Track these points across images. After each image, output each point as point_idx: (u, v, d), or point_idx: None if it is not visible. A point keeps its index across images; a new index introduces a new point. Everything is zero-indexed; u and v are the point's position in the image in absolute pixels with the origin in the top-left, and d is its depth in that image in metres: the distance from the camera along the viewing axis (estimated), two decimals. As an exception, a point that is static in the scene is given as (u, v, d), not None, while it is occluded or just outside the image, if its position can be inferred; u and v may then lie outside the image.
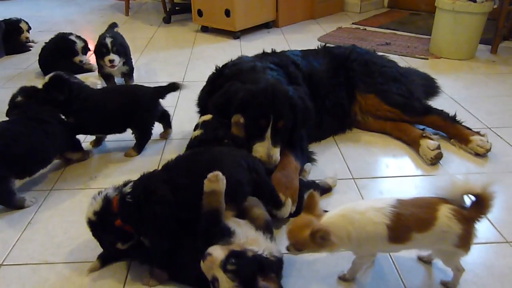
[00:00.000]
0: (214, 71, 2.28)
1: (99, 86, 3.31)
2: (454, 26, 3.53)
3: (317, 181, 1.97)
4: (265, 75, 2.05)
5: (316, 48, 2.70)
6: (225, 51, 4.04)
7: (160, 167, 1.61)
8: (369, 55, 2.65)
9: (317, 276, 1.53)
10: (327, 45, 2.77)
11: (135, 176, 1.56)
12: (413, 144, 2.33)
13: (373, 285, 1.49)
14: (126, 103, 2.27)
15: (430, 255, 1.56)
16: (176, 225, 1.44)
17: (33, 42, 4.32)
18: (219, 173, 1.36)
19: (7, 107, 2.14)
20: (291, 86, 2.05)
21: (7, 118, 2.09)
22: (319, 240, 1.27)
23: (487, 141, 2.25)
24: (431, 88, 2.98)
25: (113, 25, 3.43)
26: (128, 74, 3.27)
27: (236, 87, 1.93)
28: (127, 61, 3.22)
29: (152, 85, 2.41)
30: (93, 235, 1.52)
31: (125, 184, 1.50)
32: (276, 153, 1.86)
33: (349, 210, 1.36)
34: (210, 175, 1.35)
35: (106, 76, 3.22)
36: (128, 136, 2.39)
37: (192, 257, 1.36)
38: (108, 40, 3.04)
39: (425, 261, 1.57)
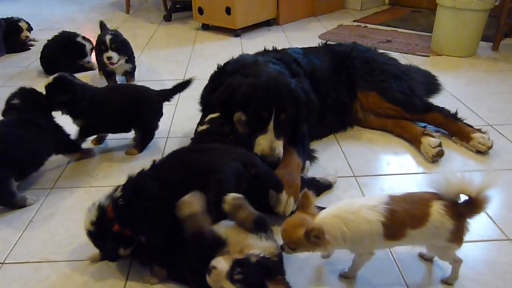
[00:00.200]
0: (216, 70, 2.27)
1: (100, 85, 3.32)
2: (456, 23, 3.52)
3: (317, 178, 1.97)
4: (267, 68, 2.05)
5: (317, 45, 2.70)
6: (226, 49, 4.04)
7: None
8: (370, 52, 2.65)
9: (319, 274, 1.53)
10: (328, 42, 2.76)
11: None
12: (414, 141, 2.33)
13: (375, 282, 1.49)
14: (132, 102, 2.26)
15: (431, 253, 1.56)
16: (170, 221, 1.43)
17: (33, 40, 4.32)
18: (192, 195, 1.34)
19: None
20: (295, 78, 2.05)
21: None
22: (314, 239, 1.27)
23: (489, 139, 2.24)
24: (432, 86, 2.97)
25: (102, 24, 3.42)
26: (130, 72, 3.27)
27: (238, 82, 1.93)
28: (130, 60, 3.22)
29: (152, 83, 2.41)
30: (95, 245, 1.53)
31: (115, 189, 1.51)
32: (279, 146, 1.85)
33: (343, 210, 1.35)
34: (183, 199, 1.33)
35: (108, 74, 3.21)
36: (129, 135, 2.39)
37: (187, 255, 1.36)
38: (108, 38, 3.04)
39: (426, 259, 1.57)
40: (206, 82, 2.32)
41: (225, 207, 1.37)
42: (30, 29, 4.29)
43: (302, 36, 4.39)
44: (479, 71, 3.35)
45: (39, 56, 3.53)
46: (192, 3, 4.64)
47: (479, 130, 2.30)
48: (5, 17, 4.17)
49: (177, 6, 5.21)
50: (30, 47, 4.21)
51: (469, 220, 1.35)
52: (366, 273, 1.51)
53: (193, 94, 2.42)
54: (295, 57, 2.33)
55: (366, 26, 4.69)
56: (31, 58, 3.85)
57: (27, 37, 4.21)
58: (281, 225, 1.73)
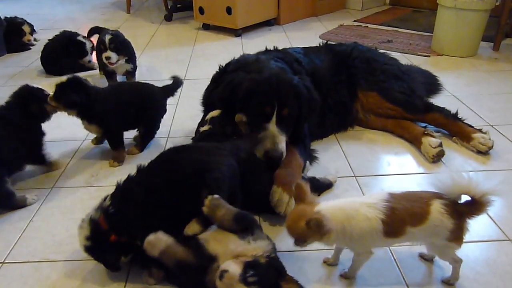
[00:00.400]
0: (218, 70, 2.27)
1: (101, 85, 3.32)
2: (456, 23, 3.51)
3: (317, 178, 1.97)
4: (269, 65, 2.06)
5: (318, 45, 2.70)
6: (226, 49, 4.04)
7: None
8: (371, 52, 2.65)
9: (319, 274, 1.53)
10: (329, 42, 2.76)
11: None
12: (415, 141, 2.33)
13: (375, 282, 1.49)
14: (139, 99, 2.27)
15: (431, 253, 1.55)
16: (162, 224, 1.43)
17: (34, 40, 4.32)
18: (152, 237, 1.34)
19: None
20: (297, 76, 2.05)
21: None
22: (315, 227, 1.27)
23: (489, 139, 2.24)
24: (433, 86, 2.97)
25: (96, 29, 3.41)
26: (131, 72, 3.26)
27: (240, 78, 1.93)
28: (131, 60, 3.22)
29: (153, 83, 2.40)
30: (95, 259, 1.52)
31: (104, 199, 1.50)
32: (282, 141, 1.85)
33: (346, 205, 1.36)
34: (146, 242, 1.34)
35: (109, 74, 3.21)
36: (129, 134, 2.38)
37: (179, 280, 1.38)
38: (107, 38, 3.04)
39: (427, 259, 1.57)
40: (207, 82, 2.32)
41: (204, 210, 1.38)
42: (32, 31, 4.29)
43: (303, 36, 4.39)
44: (479, 71, 3.34)
45: (40, 55, 3.53)
46: (193, 3, 4.64)
47: (480, 130, 2.30)
48: (7, 16, 4.17)
49: (178, 5, 5.21)
50: (31, 47, 4.21)
51: (469, 221, 1.35)
52: (366, 273, 1.51)
53: (194, 93, 2.42)
54: (296, 57, 2.34)
55: (367, 26, 4.69)
56: (32, 58, 3.85)
57: (29, 40, 4.22)
58: (282, 224, 1.76)
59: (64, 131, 2.56)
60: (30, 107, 2.05)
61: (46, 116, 2.13)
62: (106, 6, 6.05)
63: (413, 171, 2.16)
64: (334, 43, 2.81)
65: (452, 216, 1.31)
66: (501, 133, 2.43)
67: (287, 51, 2.43)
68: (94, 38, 3.49)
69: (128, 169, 2.18)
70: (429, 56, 3.69)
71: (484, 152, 2.23)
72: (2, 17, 4.11)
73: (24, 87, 2.11)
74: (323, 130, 2.45)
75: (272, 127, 1.84)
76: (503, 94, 2.95)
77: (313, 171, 2.08)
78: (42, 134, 2.13)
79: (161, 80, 3.31)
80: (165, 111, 2.39)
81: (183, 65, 3.66)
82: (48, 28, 4.64)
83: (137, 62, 3.33)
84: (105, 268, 1.56)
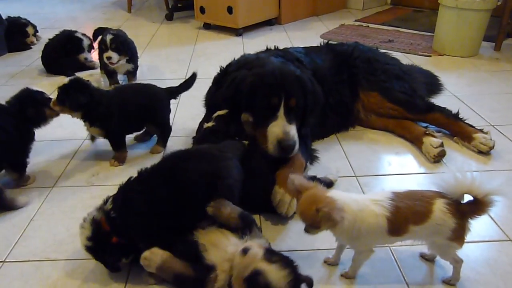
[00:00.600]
0: (219, 71, 2.27)
1: (102, 83, 3.32)
2: (458, 23, 3.51)
3: (318, 177, 1.96)
4: (270, 60, 2.07)
5: (319, 45, 2.70)
6: (227, 48, 4.04)
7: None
8: (372, 52, 2.64)
9: (320, 274, 1.52)
10: (330, 42, 2.76)
11: (136, 173, 1.56)
12: (416, 141, 2.33)
13: (375, 282, 1.49)
14: (145, 101, 2.25)
15: (432, 253, 1.55)
16: (163, 232, 1.44)
17: (36, 39, 4.31)
18: (147, 253, 1.37)
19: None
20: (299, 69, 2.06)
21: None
22: (325, 216, 1.27)
23: (490, 139, 2.24)
24: (434, 86, 2.97)
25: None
26: (132, 72, 3.26)
27: (243, 74, 1.93)
28: (132, 59, 3.22)
29: (154, 83, 2.40)
30: (96, 259, 1.52)
31: (106, 201, 1.50)
32: (293, 129, 1.84)
33: (359, 198, 1.37)
34: (142, 260, 1.37)
35: (109, 73, 3.22)
36: (131, 134, 2.39)
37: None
38: (108, 37, 3.04)
39: (428, 259, 1.57)
40: (208, 81, 2.32)
41: (209, 210, 1.38)
42: (35, 32, 4.29)
43: (304, 35, 4.38)
44: (481, 71, 3.34)
45: (41, 55, 3.53)
46: (194, 2, 4.64)
47: (481, 131, 2.29)
48: (8, 16, 4.17)
49: (179, 5, 5.21)
50: (32, 47, 4.21)
51: (470, 221, 1.36)
52: (367, 273, 1.51)
53: (195, 93, 2.42)
54: (297, 56, 2.33)
55: (368, 26, 4.68)
56: (33, 57, 3.85)
57: (32, 42, 4.22)
58: (285, 223, 1.76)
59: (65, 131, 2.56)
60: (26, 110, 2.02)
61: (42, 121, 2.10)
62: (107, 5, 6.05)
63: (414, 171, 2.15)
64: (335, 42, 2.80)
65: (455, 216, 1.32)
66: (502, 133, 2.43)
67: (288, 51, 2.43)
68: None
69: (129, 168, 2.20)
70: (430, 56, 3.68)
71: (485, 152, 2.23)
72: (5, 16, 4.11)
73: (24, 90, 2.09)
74: (324, 130, 2.44)
75: (281, 117, 1.83)
76: (504, 94, 2.94)
77: (314, 170, 2.08)
78: (31, 139, 2.09)
79: (162, 79, 3.33)
80: (169, 110, 2.39)
81: (184, 64, 3.66)
82: (49, 27, 4.64)
83: (138, 61, 3.33)
84: (106, 268, 1.56)
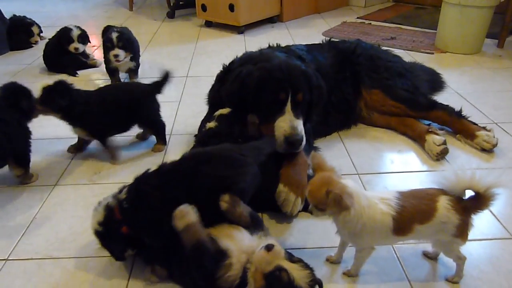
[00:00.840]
0: (222, 69, 2.26)
1: (101, 82, 3.32)
2: (461, 20, 3.50)
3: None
4: (275, 55, 2.06)
5: (321, 42, 2.69)
6: (229, 46, 4.03)
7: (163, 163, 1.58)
8: (374, 50, 2.64)
9: (322, 272, 1.52)
10: (332, 39, 2.75)
11: (138, 171, 1.55)
12: (418, 139, 2.32)
13: (378, 281, 1.49)
14: (128, 100, 2.24)
15: (435, 251, 1.55)
16: (172, 230, 1.43)
17: (40, 38, 4.31)
18: (184, 207, 1.32)
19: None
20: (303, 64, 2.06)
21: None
22: (334, 200, 1.27)
23: (493, 136, 2.23)
24: (437, 83, 2.96)
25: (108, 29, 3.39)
26: (134, 70, 3.26)
27: (248, 70, 1.92)
28: (135, 57, 3.21)
29: (155, 81, 2.39)
30: (103, 245, 1.51)
31: (121, 190, 1.50)
32: (300, 124, 1.84)
33: (369, 194, 1.37)
34: (177, 211, 1.31)
35: (111, 71, 3.21)
36: (133, 132, 2.39)
37: (188, 268, 1.34)
38: (114, 35, 3.04)
39: (430, 257, 1.56)
40: (210, 79, 2.32)
41: (222, 205, 1.37)
42: (40, 31, 4.29)
43: (306, 33, 4.37)
44: (484, 69, 3.33)
45: (42, 53, 3.53)
46: (196, 0, 4.63)
47: (484, 128, 2.28)
48: (14, 14, 4.17)
49: (180, 3, 5.20)
50: (33, 45, 4.20)
51: (473, 217, 1.36)
52: (369, 272, 1.51)
53: (196, 91, 2.42)
54: (299, 54, 2.33)
55: (370, 23, 4.67)
56: (35, 55, 3.85)
57: (36, 41, 4.22)
58: (291, 222, 1.76)
59: (67, 129, 2.55)
60: (20, 103, 2.01)
61: (33, 114, 2.09)
62: (108, 3, 6.05)
63: (417, 169, 2.15)
64: (337, 40, 2.79)
65: (458, 212, 1.32)
66: (505, 131, 2.42)
67: (290, 48, 2.41)
68: (97, 35, 3.48)
69: (132, 165, 2.20)
70: (432, 53, 3.67)
71: (488, 150, 2.22)
72: (9, 15, 4.12)
73: (12, 83, 2.08)
74: (327, 128, 2.44)
75: (288, 112, 1.82)
76: (507, 91, 2.93)
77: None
78: (30, 132, 2.09)
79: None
80: (158, 105, 2.35)
81: (186, 62, 3.65)
82: (51, 25, 4.63)
83: (140, 59, 3.33)
84: (108, 265, 1.57)
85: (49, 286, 1.51)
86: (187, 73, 3.40)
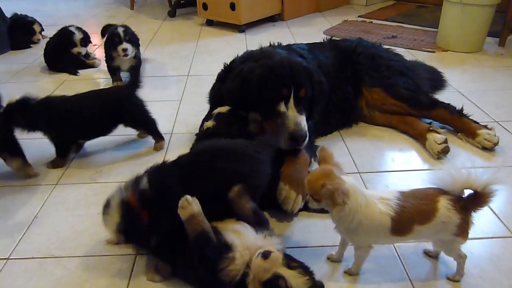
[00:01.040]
0: (223, 68, 2.26)
1: (102, 81, 3.32)
2: (462, 19, 3.49)
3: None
4: (276, 52, 2.06)
5: (322, 41, 2.69)
6: (230, 45, 4.03)
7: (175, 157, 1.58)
8: (375, 48, 2.63)
9: (323, 270, 1.52)
10: (333, 38, 2.74)
11: (139, 170, 1.55)
12: (419, 138, 2.32)
13: (379, 279, 1.48)
14: (106, 106, 2.21)
15: (436, 250, 1.55)
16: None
17: (42, 37, 4.31)
18: (188, 197, 1.33)
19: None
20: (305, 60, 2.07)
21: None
22: (328, 193, 1.28)
23: (495, 135, 2.23)
24: (438, 82, 2.95)
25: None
26: (136, 68, 3.25)
27: (250, 67, 1.91)
28: (137, 55, 3.21)
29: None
30: (128, 242, 1.54)
31: (137, 179, 1.48)
32: (303, 120, 1.84)
33: (368, 193, 1.37)
34: (180, 202, 1.32)
35: (113, 70, 3.20)
36: (134, 130, 2.39)
37: (192, 259, 1.34)
38: (120, 30, 3.06)
39: (431, 256, 1.56)
40: (211, 77, 2.32)
41: (231, 195, 1.38)
42: (42, 30, 4.29)
43: (307, 31, 4.37)
44: (485, 67, 3.32)
45: (43, 52, 3.53)
46: (197, -1, 4.63)
47: (485, 127, 2.28)
48: (15, 13, 4.17)
49: (181, 1, 5.20)
50: (31, 46, 4.18)
51: (473, 214, 1.36)
52: (370, 270, 1.51)
53: (198, 90, 2.42)
54: (300, 53, 2.32)
55: (371, 22, 4.66)
56: (36, 54, 3.85)
57: (38, 39, 4.22)
58: (291, 220, 1.76)
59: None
60: None
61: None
62: (109, 2, 6.04)
63: (418, 168, 2.15)
64: (338, 39, 2.79)
65: (459, 211, 1.32)
66: (507, 129, 2.42)
67: (291, 47, 2.41)
68: (97, 34, 3.48)
69: (133, 164, 2.20)
70: (434, 52, 3.66)
71: (489, 148, 2.22)
72: (10, 14, 4.12)
73: None
74: (328, 127, 2.44)
75: (291, 109, 1.82)
76: (508, 90, 2.93)
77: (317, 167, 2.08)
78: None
79: (165, 76, 3.33)
80: (142, 103, 2.30)
81: (187, 61, 3.65)
82: (52, 24, 4.63)
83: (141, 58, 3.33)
84: (109, 264, 1.57)
85: (50, 285, 1.51)
86: (188, 72, 3.40)
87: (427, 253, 1.57)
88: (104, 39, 3.22)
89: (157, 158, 2.23)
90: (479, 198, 1.32)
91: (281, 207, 1.75)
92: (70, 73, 3.42)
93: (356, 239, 1.41)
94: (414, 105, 2.41)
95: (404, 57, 2.75)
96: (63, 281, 1.53)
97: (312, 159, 2.06)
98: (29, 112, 2.07)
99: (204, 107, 2.29)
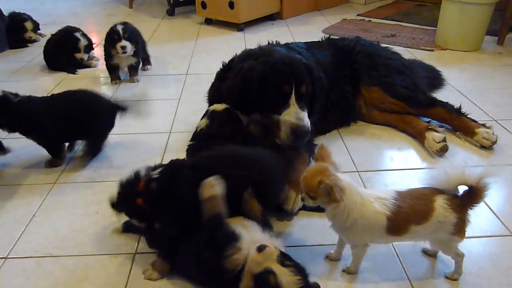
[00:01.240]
0: (221, 67, 2.25)
1: (101, 80, 3.32)
2: (460, 17, 3.49)
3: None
4: (275, 49, 2.07)
5: (320, 40, 2.68)
6: (229, 44, 4.03)
7: (185, 156, 1.61)
8: (374, 47, 2.63)
9: (321, 269, 1.52)
10: (331, 37, 2.74)
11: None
12: (418, 136, 2.32)
13: (377, 278, 1.49)
14: (77, 111, 2.14)
15: (434, 248, 1.55)
16: (188, 221, 1.42)
17: (40, 36, 4.30)
18: (214, 179, 1.35)
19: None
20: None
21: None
22: (325, 189, 1.28)
23: (493, 134, 2.23)
24: (436, 80, 2.95)
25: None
26: (135, 67, 3.25)
27: (250, 64, 1.91)
28: (137, 53, 3.21)
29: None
30: (117, 204, 1.54)
31: (155, 168, 1.50)
32: (306, 115, 1.84)
33: (364, 192, 1.37)
34: (206, 181, 1.34)
35: (112, 68, 3.20)
36: (133, 130, 2.39)
37: (195, 251, 1.35)
38: (120, 27, 3.06)
39: (430, 255, 1.56)
40: (210, 77, 2.31)
41: (245, 195, 1.42)
42: (36, 28, 4.26)
43: (306, 30, 4.37)
44: (483, 66, 3.32)
45: (43, 51, 3.52)
46: (195, -3, 4.63)
47: (484, 125, 2.28)
48: (13, 11, 4.16)
49: (180, 0, 5.19)
50: (28, 45, 4.16)
51: (470, 212, 1.36)
52: (368, 269, 1.51)
53: (196, 88, 2.42)
54: (299, 52, 2.32)
55: (370, 20, 4.66)
56: (35, 53, 3.84)
57: (30, 37, 4.18)
58: (291, 220, 1.76)
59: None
60: None
61: None
62: (108, 1, 6.03)
63: (416, 166, 2.15)
64: (336, 37, 2.79)
65: (455, 210, 1.32)
66: (505, 128, 2.42)
67: (289, 46, 2.41)
68: (96, 32, 3.48)
69: (132, 163, 2.18)
70: (432, 51, 3.66)
71: (487, 147, 2.22)
72: (8, 12, 4.11)
73: None
74: (326, 126, 2.44)
75: (293, 104, 1.83)
76: (507, 88, 2.93)
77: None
78: None
79: (164, 75, 3.33)
80: (112, 125, 2.24)
81: (186, 60, 3.65)
82: (50, 23, 4.63)
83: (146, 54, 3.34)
84: (107, 263, 1.57)
85: (48, 284, 1.51)
86: (187, 70, 3.40)
87: (425, 252, 1.58)
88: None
89: (157, 157, 2.23)
90: (474, 194, 1.33)
91: (281, 206, 1.75)
92: (68, 72, 3.41)
93: (351, 237, 1.41)
94: (412, 103, 2.41)
95: (402, 55, 2.75)
96: (62, 280, 1.53)
97: (311, 158, 2.07)
98: (10, 111, 2.05)
99: (202, 106, 2.29)
